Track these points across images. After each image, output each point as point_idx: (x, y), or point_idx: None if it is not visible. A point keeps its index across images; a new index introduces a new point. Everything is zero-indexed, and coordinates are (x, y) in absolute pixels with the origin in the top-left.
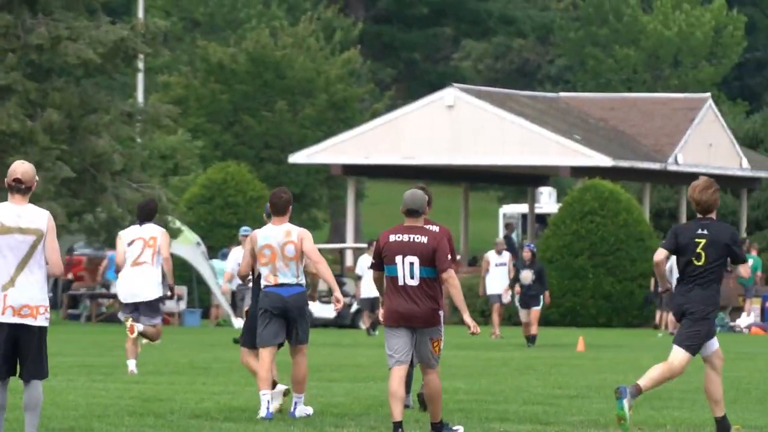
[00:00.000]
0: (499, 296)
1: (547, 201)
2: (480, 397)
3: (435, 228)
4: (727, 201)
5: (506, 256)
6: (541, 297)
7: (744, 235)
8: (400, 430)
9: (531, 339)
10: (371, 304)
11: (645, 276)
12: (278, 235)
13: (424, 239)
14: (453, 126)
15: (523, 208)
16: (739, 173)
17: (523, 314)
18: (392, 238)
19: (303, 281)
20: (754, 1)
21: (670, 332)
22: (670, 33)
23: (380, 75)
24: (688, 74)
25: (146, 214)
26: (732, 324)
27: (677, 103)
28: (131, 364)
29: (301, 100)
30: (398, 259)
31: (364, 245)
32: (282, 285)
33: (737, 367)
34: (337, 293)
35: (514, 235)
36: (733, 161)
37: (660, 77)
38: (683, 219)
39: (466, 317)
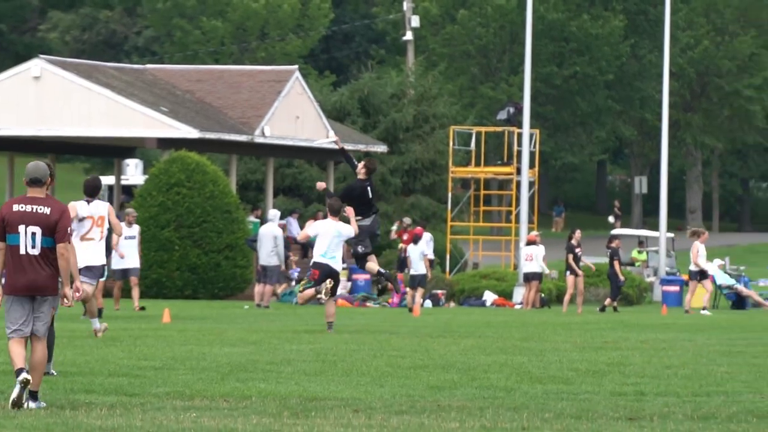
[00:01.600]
0: (126, 270)
1: (134, 172)
2: (65, 368)
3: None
4: (314, 173)
5: (136, 228)
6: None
7: None
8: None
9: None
10: None
11: (231, 248)
12: None
13: (47, 210)
14: (39, 97)
15: (109, 179)
16: (326, 146)
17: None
18: (15, 207)
19: None
20: None
21: (256, 304)
22: (257, 5)
23: None
24: (276, 46)
25: (92, 191)
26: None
27: (264, 76)
28: (95, 323)
29: None
30: (21, 228)
31: None
32: None
33: (323, 339)
34: None
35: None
36: (320, 134)
37: (247, 49)
38: (270, 191)
39: (67, 289)
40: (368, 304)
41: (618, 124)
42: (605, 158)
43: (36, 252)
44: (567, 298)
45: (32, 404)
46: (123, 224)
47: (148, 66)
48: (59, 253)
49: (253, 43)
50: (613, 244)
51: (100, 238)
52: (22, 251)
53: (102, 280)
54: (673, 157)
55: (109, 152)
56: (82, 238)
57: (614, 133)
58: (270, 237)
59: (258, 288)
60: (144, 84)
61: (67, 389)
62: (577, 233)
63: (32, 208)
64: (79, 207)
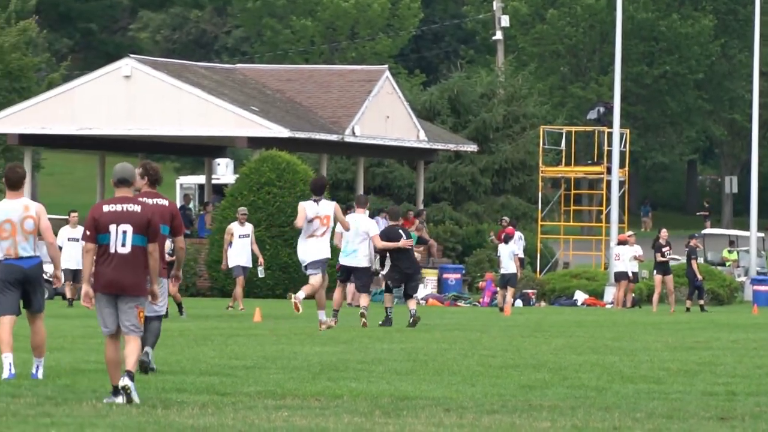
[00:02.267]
0: (243, 268)
1: (225, 172)
2: (158, 367)
3: (164, 201)
4: (404, 173)
5: (249, 227)
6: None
7: (421, 206)
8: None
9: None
10: (72, 275)
11: None
12: (17, 209)
13: (138, 208)
14: (130, 97)
15: (200, 179)
16: (416, 145)
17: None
18: (106, 208)
19: (38, 253)
20: None
21: (347, 303)
22: (347, 4)
23: (57, 45)
24: (366, 46)
25: (320, 190)
26: None
27: (354, 75)
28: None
29: None
30: (112, 227)
31: (54, 216)
32: (21, 258)
33: (414, 338)
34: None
35: (191, 206)
36: (410, 133)
37: (337, 49)
38: (360, 190)
39: (155, 287)
40: (459, 303)
41: (708, 124)
42: (695, 158)
43: (126, 251)
44: (656, 297)
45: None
46: (235, 223)
47: (238, 65)
48: (149, 252)
49: (343, 42)
50: (692, 243)
51: (323, 234)
52: (112, 250)
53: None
54: (764, 157)
55: (200, 151)
56: (310, 236)
57: (704, 133)
58: None
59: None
60: (234, 83)
61: (159, 388)
62: (663, 232)
63: (122, 207)
64: (308, 208)
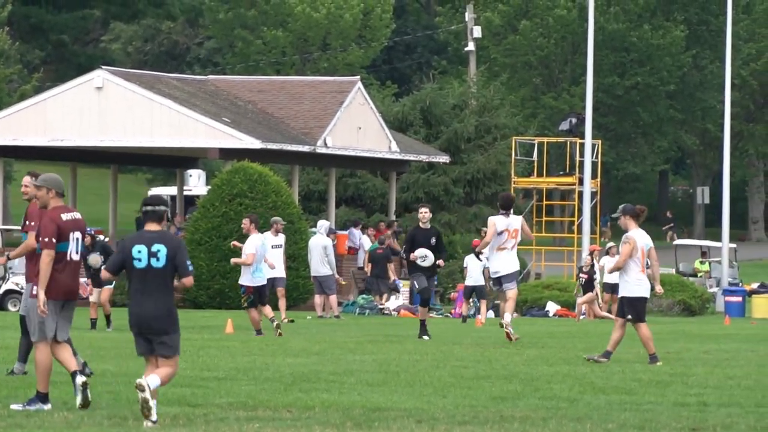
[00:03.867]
0: (280, 279)
1: (197, 183)
2: (129, 379)
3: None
4: (377, 183)
5: (282, 237)
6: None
7: (393, 218)
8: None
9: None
10: None
11: (294, 258)
12: None
13: (79, 216)
14: (102, 108)
15: (172, 190)
16: (388, 156)
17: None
18: (65, 216)
19: None
20: None
21: (318, 315)
22: (318, 15)
23: (29, 57)
24: (338, 57)
25: (508, 204)
26: (381, 306)
27: (326, 86)
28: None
29: None
30: (71, 236)
31: (14, 227)
32: None
33: (386, 349)
34: None
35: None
36: (382, 144)
37: (309, 60)
38: (332, 201)
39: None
40: (431, 314)
41: (680, 134)
42: (667, 168)
43: (77, 258)
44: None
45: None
46: (269, 233)
47: (210, 77)
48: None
49: (314, 53)
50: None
51: (513, 247)
52: (68, 257)
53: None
54: (735, 167)
55: (172, 163)
56: (498, 249)
57: (676, 143)
58: (320, 248)
59: (317, 299)
60: (206, 95)
61: (131, 400)
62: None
63: (73, 216)
64: (498, 222)
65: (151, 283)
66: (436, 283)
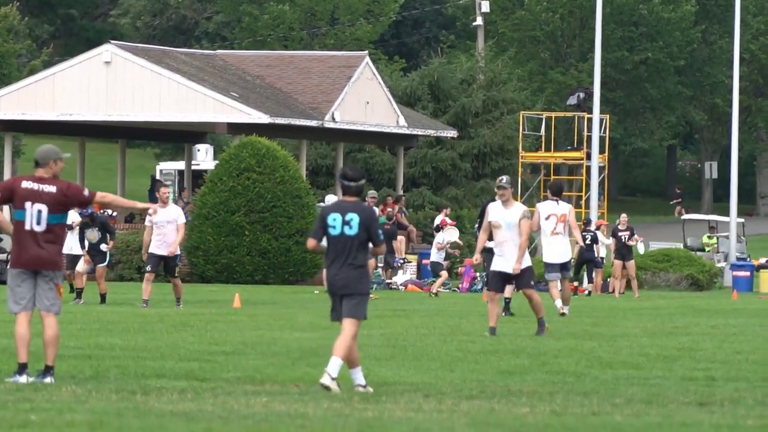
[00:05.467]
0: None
1: (204, 158)
2: (136, 353)
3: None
4: (385, 158)
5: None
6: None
7: (401, 192)
8: (26, 371)
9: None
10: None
11: (301, 233)
12: None
13: (53, 189)
14: (110, 83)
15: (180, 164)
16: (396, 131)
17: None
18: (25, 184)
19: None
20: None
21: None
22: None
23: (37, 31)
24: (346, 32)
25: (557, 191)
26: (389, 281)
27: (334, 61)
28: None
29: None
30: (27, 205)
31: None
32: None
33: (394, 324)
34: None
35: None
36: (390, 119)
37: (317, 35)
38: None
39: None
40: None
41: (688, 110)
42: (675, 143)
43: (41, 228)
44: (616, 283)
45: (47, 379)
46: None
47: (219, 51)
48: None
49: (323, 28)
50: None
51: (563, 232)
52: (27, 227)
53: None
54: (744, 142)
55: (180, 137)
56: (551, 233)
57: (684, 119)
58: None
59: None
60: (214, 69)
61: (138, 374)
62: (623, 217)
63: (39, 187)
64: (543, 207)
65: (343, 249)
66: None
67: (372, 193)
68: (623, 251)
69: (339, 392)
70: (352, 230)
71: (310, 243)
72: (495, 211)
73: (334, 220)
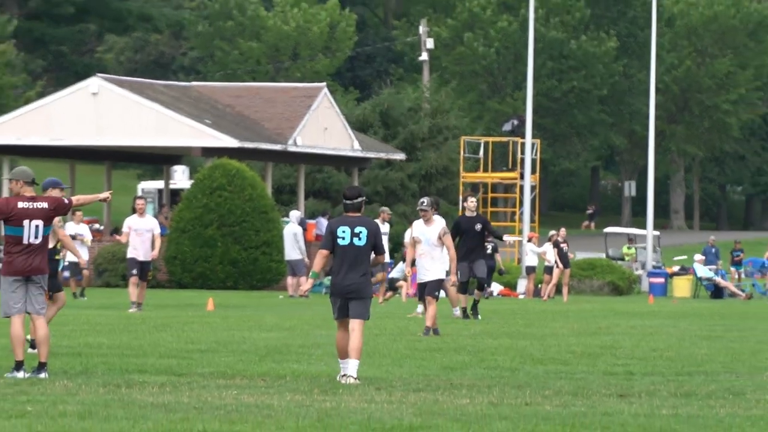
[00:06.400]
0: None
1: (181, 177)
2: (121, 351)
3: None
4: (341, 178)
5: (387, 227)
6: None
7: None
8: (23, 367)
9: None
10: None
11: (267, 244)
12: None
13: (45, 204)
14: (97, 111)
15: (159, 184)
16: (351, 154)
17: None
18: (21, 204)
19: None
20: (364, 1)
21: (290, 295)
22: (289, 28)
23: (32, 66)
24: (306, 65)
25: None
26: None
27: (296, 92)
28: None
29: None
30: (26, 222)
31: None
32: None
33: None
34: None
35: (150, 208)
36: (346, 143)
37: (281, 68)
38: (301, 194)
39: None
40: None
41: (610, 135)
42: (598, 165)
43: (38, 241)
44: (550, 287)
45: (41, 375)
46: (377, 221)
47: (193, 83)
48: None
49: (286, 62)
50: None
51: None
52: (25, 241)
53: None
54: (659, 163)
55: (159, 160)
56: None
57: (606, 143)
58: (291, 235)
59: (289, 280)
60: (190, 99)
61: (123, 369)
62: (562, 231)
63: (32, 204)
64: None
65: (351, 258)
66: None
67: (385, 209)
68: (564, 260)
69: (358, 383)
70: (361, 241)
71: (323, 253)
72: (417, 228)
73: (344, 232)
